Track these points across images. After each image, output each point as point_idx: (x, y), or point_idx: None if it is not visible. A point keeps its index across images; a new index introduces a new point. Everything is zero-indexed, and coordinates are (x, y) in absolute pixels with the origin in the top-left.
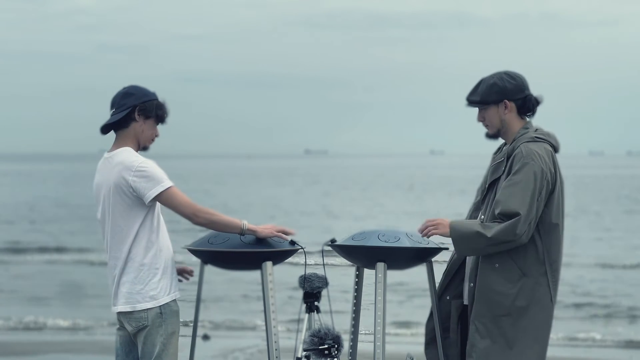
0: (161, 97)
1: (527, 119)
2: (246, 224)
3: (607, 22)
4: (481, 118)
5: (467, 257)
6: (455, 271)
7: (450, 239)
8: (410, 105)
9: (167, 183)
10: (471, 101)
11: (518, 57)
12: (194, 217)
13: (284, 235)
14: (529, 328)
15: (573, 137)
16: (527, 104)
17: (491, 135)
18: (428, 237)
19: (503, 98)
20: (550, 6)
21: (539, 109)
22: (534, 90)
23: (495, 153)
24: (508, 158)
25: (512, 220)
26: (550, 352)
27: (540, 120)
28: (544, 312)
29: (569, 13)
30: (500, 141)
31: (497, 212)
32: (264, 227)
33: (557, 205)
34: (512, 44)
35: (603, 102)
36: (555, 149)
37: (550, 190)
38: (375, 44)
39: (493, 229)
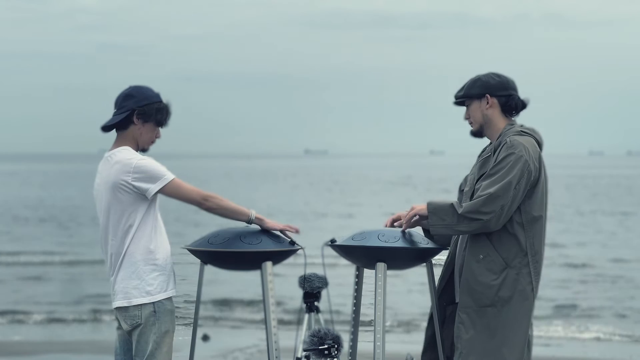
0: (165, 98)
1: (512, 119)
2: (254, 213)
3: (609, 22)
4: (467, 116)
5: (458, 256)
6: (449, 275)
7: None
8: (410, 105)
9: (169, 176)
10: (456, 97)
11: (519, 57)
12: (204, 202)
13: (288, 232)
14: (512, 318)
15: (573, 137)
16: (510, 103)
17: (475, 132)
18: (411, 226)
19: (485, 92)
20: (552, 6)
21: (540, 109)
22: (537, 89)
23: (480, 155)
24: (495, 152)
25: (482, 197)
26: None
27: (540, 119)
28: (525, 303)
29: (571, 13)
30: (486, 141)
31: (482, 191)
32: (272, 221)
33: (541, 198)
34: (513, 45)
35: (603, 102)
36: (540, 145)
37: (533, 183)
38: (376, 44)
39: (464, 205)
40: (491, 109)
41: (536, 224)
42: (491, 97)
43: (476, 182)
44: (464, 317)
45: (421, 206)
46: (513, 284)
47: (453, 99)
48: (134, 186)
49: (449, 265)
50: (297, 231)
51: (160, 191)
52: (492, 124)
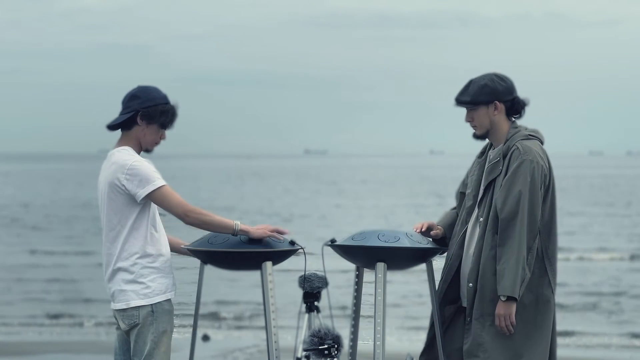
0: (173, 100)
1: (514, 120)
2: (239, 224)
3: (610, 22)
4: (469, 118)
5: (464, 259)
6: (452, 277)
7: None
8: (410, 105)
9: (158, 182)
10: (461, 101)
11: (521, 56)
12: (185, 217)
13: (278, 235)
14: (533, 323)
15: (573, 137)
16: (515, 106)
17: (479, 136)
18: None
19: (494, 99)
20: (554, 6)
21: (541, 109)
22: (537, 88)
23: (479, 157)
24: (504, 157)
25: (510, 230)
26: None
27: (540, 119)
28: (546, 307)
29: (573, 13)
30: (484, 142)
31: (500, 216)
32: (257, 228)
33: (552, 201)
34: (515, 44)
35: (603, 102)
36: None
37: (547, 186)
38: (377, 44)
39: (512, 251)
40: (498, 115)
41: (550, 227)
42: (499, 103)
43: (485, 188)
44: (486, 325)
45: (506, 308)
46: (534, 289)
47: (455, 102)
48: (125, 187)
49: (451, 268)
50: (285, 233)
51: (148, 196)
52: (498, 128)
